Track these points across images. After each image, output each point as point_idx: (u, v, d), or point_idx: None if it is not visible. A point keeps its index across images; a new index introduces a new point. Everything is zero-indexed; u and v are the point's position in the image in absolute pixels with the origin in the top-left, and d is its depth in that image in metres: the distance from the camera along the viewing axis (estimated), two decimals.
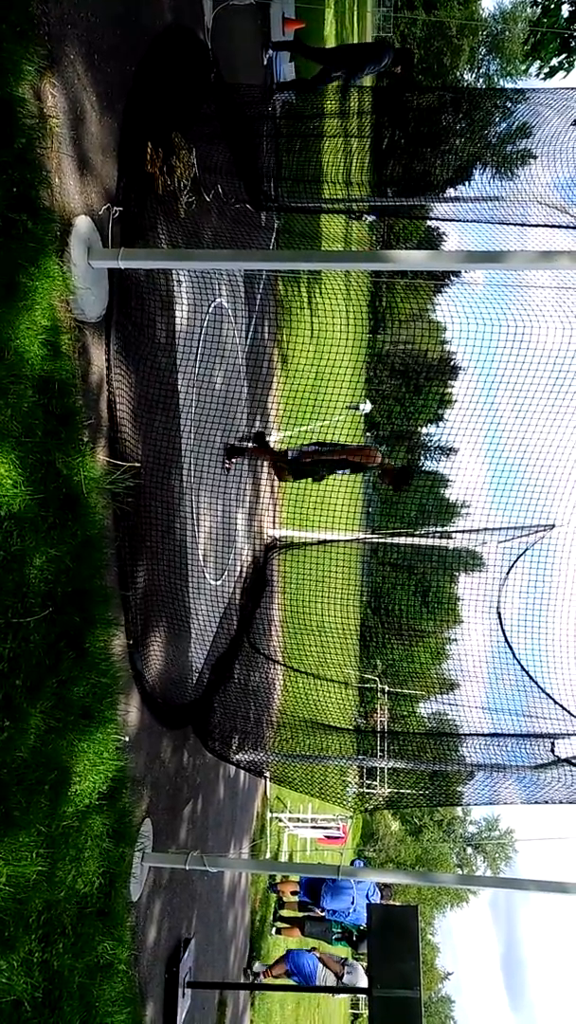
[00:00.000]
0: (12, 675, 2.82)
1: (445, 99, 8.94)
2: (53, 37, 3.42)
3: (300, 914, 9.96)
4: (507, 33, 52.94)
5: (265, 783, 11.08)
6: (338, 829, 13.68)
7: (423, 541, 9.98)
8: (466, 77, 52.38)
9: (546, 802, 6.31)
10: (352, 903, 9.07)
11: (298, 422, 8.54)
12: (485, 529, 8.53)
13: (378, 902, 8.96)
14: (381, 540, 10.72)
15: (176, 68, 5.09)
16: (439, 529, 10.10)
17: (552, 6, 20.74)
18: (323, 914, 9.36)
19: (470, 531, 9.12)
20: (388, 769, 8.96)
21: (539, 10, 22.21)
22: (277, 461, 7.08)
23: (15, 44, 2.89)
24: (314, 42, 16.55)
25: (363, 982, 8.26)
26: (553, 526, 7.74)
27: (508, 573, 7.83)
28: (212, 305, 6.65)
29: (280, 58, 11.01)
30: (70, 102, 3.60)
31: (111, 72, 4.09)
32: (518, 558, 7.87)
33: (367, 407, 17.21)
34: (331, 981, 8.50)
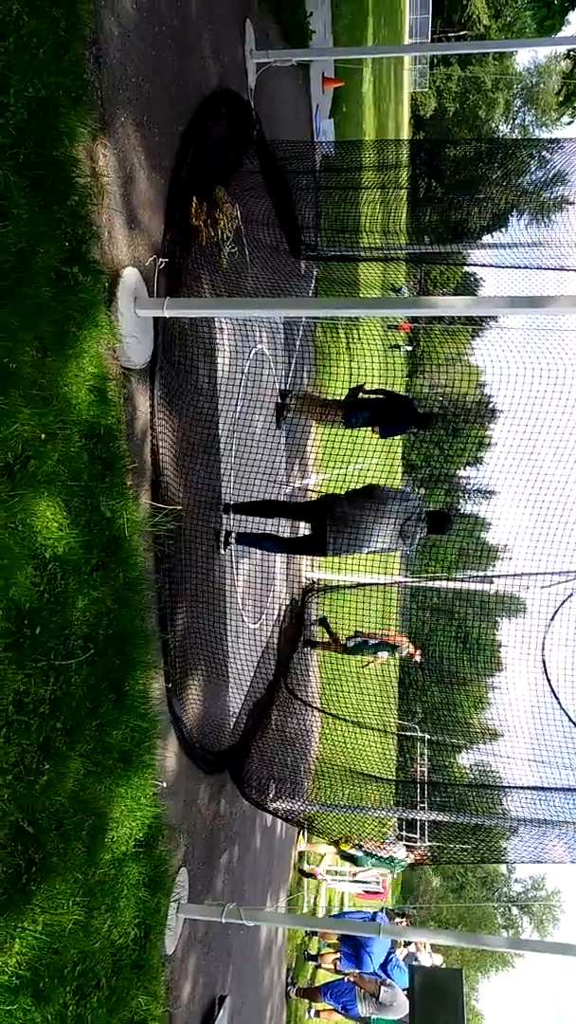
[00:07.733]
0: (52, 718, 2.82)
1: (481, 150, 9.11)
2: (106, 101, 3.59)
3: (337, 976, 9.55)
4: (541, 85, 54.04)
5: (303, 833, 10.80)
6: (378, 884, 13.17)
7: (463, 585, 9.82)
8: (502, 128, 53.44)
9: None
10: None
11: (336, 465, 8.56)
12: (527, 573, 8.35)
13: (417, 964, 8.59)
14: (419, 584, 10.57)
15: (221, 127, 5.30)
16: (479, 574, 9.93)
17: None
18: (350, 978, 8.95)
19: (511, 575, 8.94)
20: (429, 822, 8.66)
21: (572, 63, 22.71)
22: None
23: (70, 109, 3.04)
24: (351, 103, 17.08)
25: (402, 1003, 7.99)
26: None
27: (552, 619, 7.63)
28: (252, 351, 6.78)
29: (320, 114, 11.39)
30: (120, 161, 3.76)
31: (159, 132, 4.27)
32: (563, 603, 7.68)
33: (409, 347, 17.30)
34: (369, 1004, 8.41)
